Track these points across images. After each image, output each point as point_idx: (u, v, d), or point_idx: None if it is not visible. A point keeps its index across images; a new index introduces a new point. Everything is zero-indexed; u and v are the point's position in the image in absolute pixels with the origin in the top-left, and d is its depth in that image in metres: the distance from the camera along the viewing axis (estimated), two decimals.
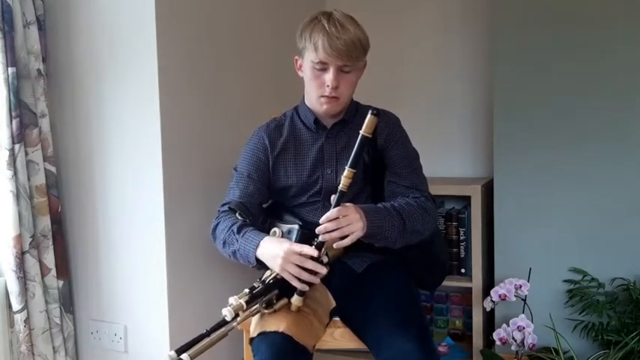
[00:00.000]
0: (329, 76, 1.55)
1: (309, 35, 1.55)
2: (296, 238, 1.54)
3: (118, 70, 1.92)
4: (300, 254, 1.41)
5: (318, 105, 1.62)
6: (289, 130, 1.69)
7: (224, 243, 1.57)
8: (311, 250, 1.42)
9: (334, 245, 1.43)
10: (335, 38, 1.51)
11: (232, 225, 1.57)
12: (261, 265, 1.51)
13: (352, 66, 1.57)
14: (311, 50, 1.55)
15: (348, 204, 1.45)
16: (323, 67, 1.56)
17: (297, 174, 1.66)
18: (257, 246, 1.49)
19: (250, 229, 1.54)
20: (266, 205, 1.75)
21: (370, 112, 1.39)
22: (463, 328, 2.51)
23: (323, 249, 1.44)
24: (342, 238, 1.42)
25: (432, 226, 1.62)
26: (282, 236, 1.57)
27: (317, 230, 1.43)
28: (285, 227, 1.60)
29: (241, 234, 1.53)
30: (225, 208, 1.65)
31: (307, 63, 1.58)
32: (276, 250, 1.44)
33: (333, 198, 1.43)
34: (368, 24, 1.61)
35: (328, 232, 1.41)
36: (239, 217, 1.59)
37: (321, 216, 1.44)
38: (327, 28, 1.52)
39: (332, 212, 1.41)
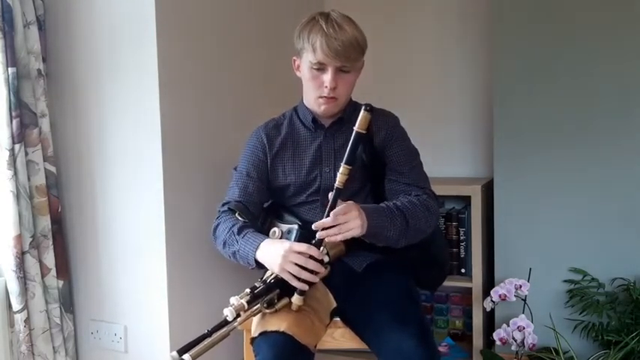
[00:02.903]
0: (327, 77, 1.56)
1: (307, 36, 1.56)
2: (295, 238, 1.54)
3: (118, 70, 1.92)
4: (300, 253, 1.42)
5: (316, 105, 1.62)
6: (287, 129, 1.69)
7: (224, 244, 1.57)
8: (311, 249, 1.42)
9: (326, 239, 1.43)
10: (333, 39, 1.51)
11: (233, 226, 1.57)
12: (261, 267, 1.51)
13: (350, 67, 1.57)
14: (309, 51, 1.55)
15: (349, 202, 1.45)
16: (321, 67, 1.56)
17: (295, 173, 1.66)
18: (257, 247, 1.49)
19: (251, 231, 1.55)
20: (266, 204, 1.75)
21: (363, 108, 1.40)
22: (463, 328, 2.51)
23: (322, 247, 1.44)
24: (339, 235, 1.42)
25: (435, 223, 1.62)
26: (282, 236, 1.58)
27: (314, 226, 1.42)
28: (285, 227, 1.60)
29: (241, 235, 1.53)
30: (225, 208, 1.65)
31: (305, 64, 1.59)
32: (276, 250, 1.44)
33: (330, 195, 1.44)
34: (367, 24, 1.61)
35: (325, 229, 1.41)
36: (239, 218, 1.59)
37: (320, 215, 1.44)
38: (325, 29, 1.52)
39: (333, 210, 1.41)
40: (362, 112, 1.40)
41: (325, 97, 1.58)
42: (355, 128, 1.42)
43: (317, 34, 1.53)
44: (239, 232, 1.54)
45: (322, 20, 1.55)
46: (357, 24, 1.58)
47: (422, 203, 1.56)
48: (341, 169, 1.42)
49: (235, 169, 1.71)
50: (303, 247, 1.43)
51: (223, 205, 1.67)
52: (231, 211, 1.62)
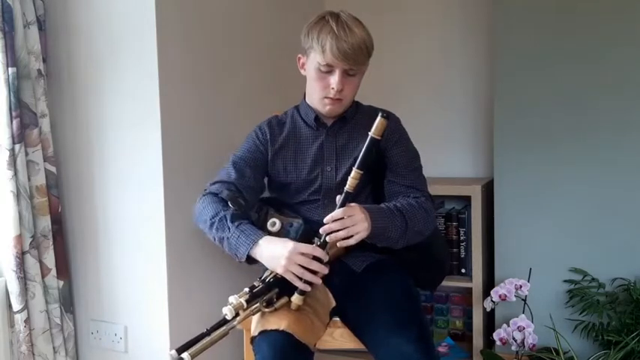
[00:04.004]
0: (334, 79, 1.55)
1: (316, 36, 1.54)
2: (298, 233, 1.54)
3: (118, 69, 1.92)
4: (304, 254, 1.41)
5: (320, 105, 1.61)
6: (290, 128, 1.68)
7: (212, 225, 1.52)
8: (317, 251, 1.42)
9: (338, 244, 1.43)
10: (343, 42, 1.50)
11: (223, 209, 1.52)
12: (250, 262, 1.49)
13: (357, 70, 1.57)
14: (318, 52, 1.54)
15: (352, 204, 1.45)
16: (329, 69, 1.55)
17: (296, 171, 1.66)
18: (254, 243, 1.46)
19: (246, 222, 1.51)
20: (263, 196, 1.74)
21: (380, 114, 1.39)
22: (463, 328, 2.51)
23: (325, 249, 1.45)
24: (347, 237, 1.42)
25: (433, 226, 1.63)
26: (282, 227, 1.56)
27: (321, 230, 1.43)
28: (287, 220, 1.59)
29: (236, 224, 1.49)
30: (216, 188, 1.60)
31: (312, 63, 1.58)
32: (279, 250, 1.43)
33: (339, 198, 1.43)
34: (367, 23, 1.61)
35: (333, 232, 1.41)
36: (230, 206, 1.55)
37: (321, 214, 1.44)
38: (336, 31, 1.51)
39: (337, 212, 1.41)
40: (378, 119, 1.39)
41: (331, 98, 1.58)
42: (370, 134, 1.40)
43: (327, 35, 1.52)
44: (232, 219, 1.50)
45: (332, 21, 1.53)
46: (365, 26, 1.58)
47: (420, 205, 1.57)
48: (352, 174, 1.40)
49: (233, 154, 1.69)
50: (308, 248, 1.42)
51: (214, 183, 1.62)
52: (223, 200, 1.56)
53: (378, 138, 1.41)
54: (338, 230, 1.41)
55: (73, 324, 2.03)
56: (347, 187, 1.41)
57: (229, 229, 1.49)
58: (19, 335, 1.85)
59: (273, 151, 1.66)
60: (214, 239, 1.54)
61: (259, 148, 1.67)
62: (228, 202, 1.55)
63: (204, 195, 1.62)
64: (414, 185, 1.62)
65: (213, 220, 1.52)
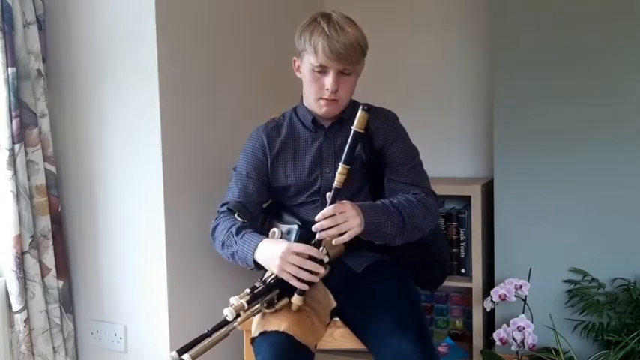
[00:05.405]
0: (329, 80, 1.55)
1: (308, 38, 1.54)
2: (295, 238, 1.54)
3: (118, 70, 1.92)
4: (298, 253, 1.42)
5: (317, 107, 1.61)
6: (288, 131, 1.69)
7: (223, 244, 1.57)
8: (311, 250, 1.42)
9: (333, 242, 1.43)
10: (335, 42, 1.50)
11: (231, 226, 1.57)
12: (260, 267, 1.51)
13: (352, 69, 1.57)
14: (310, 53, 1.54)
15: (344, 201, 1.45)
16: (323, 70, 1.55)
17: (295, 174, 1.66)
18: (255, 248, 1.49)
19: (249, 231, 1.54)
20: (265, 205, 1.75)
21: (361, 107, 1.41)
22: (463, 328, 2.51)
23: (322, 247, 1.45)
24: (340, 234, 1.42)
25: (433, 222, 1.62)
26: (282, 237, 1.58)
27: (313, 228, 1.43)
28: (285, 227, 1.60)
29: (240, 236, 1.53)
30: (224, 208, 1.65)
31: (306, 65, 1.58)
32: (274, 251, 1.44)
33: (329, 195, 1.44)
34: (367, 23, 1.61)
35: (325, 229, 1.41)
36: (238, 219, 1.59)
37: None
38: (327, 32, 1.51)
39: (327, 209, 1.42)
40: (360, 112, 1.41)
41: (326, 99, 1.58)
42: (353, 127, 1.42)
43: (319, 36, 1.52)
44: (237, 232, 1.54)
45: (324, 22, 1.53)
46: (358, 25, 1.58)
47: (419, 201, 1.56)
48: (339, 169, 1.42)
49: (235, 169, 1.71)
50: (301, 247, 1.43)
51: (222, 205, 1.67)
52: (230, 211, 1.62)
53: (361, 131, 1.42)
54: (330, 227, 1.41)
55: (72, 324, 2.03)
56: (335, 184, 1.43)
57: (236, 242, 1.53)
58: (18, 335, 1.85)
59: (272, 156, 1.67)
60: (228, 258, 1.58)
61: (259, 157, 1.67)
62: (235, 214, 1.59)
63: (215, 219, 1.65)
64: (413, 182, 1.62)
65: (223, 240, 1.57)
